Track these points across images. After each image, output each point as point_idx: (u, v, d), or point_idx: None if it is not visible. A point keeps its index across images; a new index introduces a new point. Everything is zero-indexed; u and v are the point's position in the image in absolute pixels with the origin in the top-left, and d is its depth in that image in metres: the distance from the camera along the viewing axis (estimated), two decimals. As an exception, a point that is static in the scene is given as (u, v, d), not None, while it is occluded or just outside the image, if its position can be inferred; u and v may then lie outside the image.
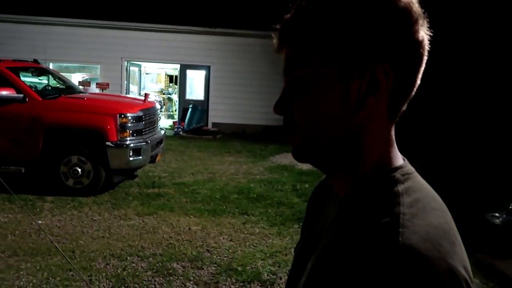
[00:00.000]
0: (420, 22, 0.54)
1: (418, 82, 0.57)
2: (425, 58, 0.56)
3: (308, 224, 0.76)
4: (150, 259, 3.62)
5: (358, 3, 0.53)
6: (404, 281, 0.43)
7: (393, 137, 0.59)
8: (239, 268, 3.50)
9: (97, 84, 11.41)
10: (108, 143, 5.17)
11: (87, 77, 13.29)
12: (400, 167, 0.57)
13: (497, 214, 5.13)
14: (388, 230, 0.47)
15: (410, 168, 0.58)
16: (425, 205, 0.52)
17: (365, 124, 0.56)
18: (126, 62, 12.85)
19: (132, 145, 5.29)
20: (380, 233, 0.47)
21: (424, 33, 0.55)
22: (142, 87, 15.29)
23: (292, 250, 3.92)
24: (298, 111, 0.58)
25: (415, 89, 0.57)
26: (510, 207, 5.11)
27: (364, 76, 0.53)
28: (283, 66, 0.60)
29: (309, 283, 0.56)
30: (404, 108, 0.58)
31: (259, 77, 12.70)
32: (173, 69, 16.74)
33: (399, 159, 0.59)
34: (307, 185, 6.44)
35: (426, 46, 0.55)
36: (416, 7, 0.54)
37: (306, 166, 8.00)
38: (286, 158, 8.88)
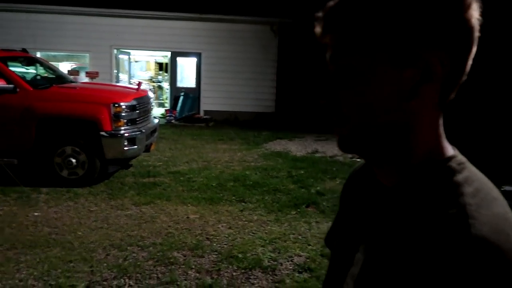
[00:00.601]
0: (474, 6, 0.52)
1: (469, 68, 0.55)
2: (476, 43, 0.54)
3: (345, 214, 0.75)
4: (151, 248, 3.63)
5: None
6: (480, 272, 0.44)
7: (442, 126, 0.58)
8: (240, 255, 3.53)
9: (87, 73, 11.25)
10: (103, 133, 5.12)
11: (75, 66, 13.08)
12: (454, 156, 0.57)
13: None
14: (458, 221, 0.47)
15: (462, 157, 0.57)
16: (486, 194, 0.52)
17: (416, 113, 0.55)
18: (115, 50, 12.65)
19: (126, 134, 5.24)
20: (451, 225, 0.48)
21: (476, 18, 0.53)
22: (131, 75, 15.10)
23: (291, 236, 3.98)
24: (347, 101, 0.57)
25: (465, 76, 0.56)
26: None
27: (418, 64, 0.52)
28: (328, 54, 0.59)
29: (368, 274, 0.56)
30: (453, 95, 0.57)
31: (250, 63, 12.62)
32: (163, 56, 16.54)
33: (450, 149, 0.58)
34: (302, 172, 6.48)
35: (478, 31, 0.54)
36: None
37: (300, 153, 8.06)
38: (280, 145, 8.91)
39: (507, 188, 5.22)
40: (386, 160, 0.59)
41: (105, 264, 3.31)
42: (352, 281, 0.60)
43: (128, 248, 3.63)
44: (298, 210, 4.75)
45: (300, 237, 4.00)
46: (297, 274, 3.27)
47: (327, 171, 6.56)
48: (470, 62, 0.55)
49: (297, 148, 8.62)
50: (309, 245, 3.82)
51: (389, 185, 0.60)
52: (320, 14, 0.59)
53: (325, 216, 4.59)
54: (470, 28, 0.53)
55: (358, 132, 0.57)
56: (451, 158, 0.56)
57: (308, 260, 3.51)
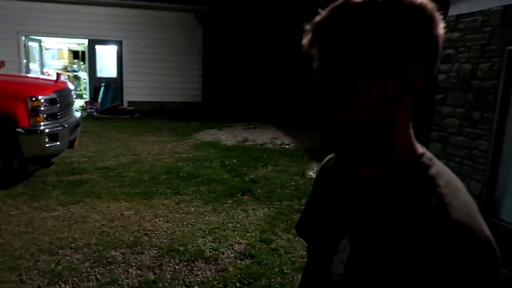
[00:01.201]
0: (440, 24, 0.61)
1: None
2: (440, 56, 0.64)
3: (322, 205, 0.81)
4: (85, 249, 3.46)
5: (396, 11, 0.59)
6: (460, 251, 0.53)
7: (412, 127, 0.67)
8: (181, 248, 3.52)
9: (-10, 62, 10.09)
10: (19, 130, 4.68)
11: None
12: (424, 153, 0.66)
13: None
14: (439, 209, 0.56)
15: (430, 153, 0.67)
16: (454, 185, 0.62)
17: (395, 118, 0.63)
18: (23, 37, 11.48)
19: (47, 130, 4.85)
20: (434, 212, 0.56)
21: (442, 34, 0.62)
22: (43, 64, 13.84)
23: (230, 225, 4.06)
24: (338, 108, 0.62)
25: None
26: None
27: (400, 77, 0.60)
28: (317, 64, 0.63)
29: (359, 258, 0.63)
30: (420, 101, 0.65)
31: (175, 52, 12.31)
32: (78, 44, 15.40)
33: (419, 147, 0.68)
34: (235, 160, 6.57)
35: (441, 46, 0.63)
36: (435, 9, 0.61)
37: (230, 142, 8.13)
38: (210, 135, 8.90)
39: None
40: (368, 158, 0.66)
41: (35, 271, 3.08)
42: (342, 265, 0.66)
43: (60, 251, 3.42)
44: (234, 198, 4.83)
45: (238, 225, 4.09)
46: (239, 261, 3.36)
47: (259, 159, 6.73)
48: (436, 72, 0.64)
49: (227, 137, 8.68)
50: (248, 232, 3.93)
51: (369, 180, 0.68)
52: (309, 25, 0.63)
53: (261, 203, 4.74)
54: (438, 44, 0.62)
55: (346, 136, 0.63)
56: (422, 154, 0.66)
57: (248, 246, 3.61)
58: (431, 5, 0.60)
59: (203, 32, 12.62)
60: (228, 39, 12.63)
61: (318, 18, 0.62)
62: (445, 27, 0.62)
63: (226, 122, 10.57)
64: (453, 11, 5.13)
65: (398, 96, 0.61)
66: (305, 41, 0.64)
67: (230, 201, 4.75)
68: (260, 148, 7.67)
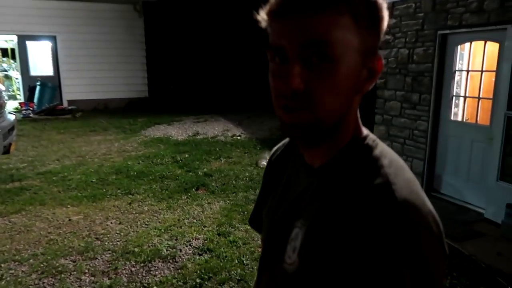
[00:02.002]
0: (386, 17, 0.64)
1: None
2: None
3: (271, 195, 0.81)
4: (31, 260, 3.24)
5: (372, 2, 0.60)
6: (408, 227, 0.54)
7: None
8: (136, 249, 3.41)
9: None
10: None
11: None
12: (368, 135, 0.68)
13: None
14: (384, 189, 0.57)
15: (373, 135, 0.69)
16: (397, 164, 0.63)
17: (354, 103, 0.65)
18: None
19: (-23, 136, 4.46)
20: (379, 192, 0.57)
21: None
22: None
23: (186, 221, 4.00)
24: (322, 88, 0.58)
25: None
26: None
27: (369, 66, 0.62)
28: (293, 37, 0.57)
29: (312, 245, 0.62)
30: None
31: (116, 46, 11.79)
32: (6, 41, 14.25)
33: (364, 129, 0.69)
34: (186, 155, 6.46)
35: None
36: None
37: (181, 137, 7.98)
38: (159, 130, 8.68)
39: None
40: (322, 143, 0.66)
41: (-25, 290, 2.85)
42: (296, 254, 0.66)
43: (2, 265, 3.17)
44: (189, 194, 4.76)
45: (195, 220, 4.04)
46: (197, 257, 3.32)
47: (211, 152, 6.67)
48: None
49: (177, 132, 8.51)
50: (205, 226, 3.89)
51: (317, 166, 0.68)
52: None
53: (216, 196, 4.71)
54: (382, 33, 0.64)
55: (320, 118, 0.60)
56: (366, 137, 0.67)
57: (206, 241, 3.58)
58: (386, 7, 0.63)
59: (144, 25, 12.18)
60: (171, 30, 12.30)
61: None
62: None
63: (175, 117, 10.34)
64: (389, -1, 5.35)
65: (364, 83, 0.63)
66: (272, 9, 0.60)
67: (185, 197, 4.67)
68: (212, 141, 7.61)
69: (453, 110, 4.75)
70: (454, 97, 4.71)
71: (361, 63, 0.61)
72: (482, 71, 4.42)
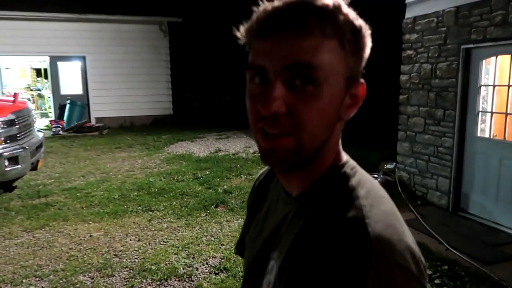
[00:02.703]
0: (369, 43, 0.62)
1: None
2: None
3: (254, 222, 0.79)
4: (51, 276, 3.30)
5: (357, 25, 0.58)
6: (381, 266, 0.50)
7: None
8: (153, 267, 3.42)
9: None
10: (-24, 155, 4.45)
11: None
12: (347, 162, 0.64)
13: (375, 175, 5.89)
14: (357, 223, 0.53)
15: (353, 162, 0.65)
16: (376, 194, 0.60)
17: (336, 130, 0.62)
18: (-21, 57, 11.03)
19: (6, 153, 4.64)
20: (352, 227, 0.53)
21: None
22: (3, 84, 13.32)
23: (204, 239, 3.98)
24: (303, 111, 0.56)
25: None
26: (385, 167, 5.91)
27: (351, 93, 0.60)
28: (275, 59, 0.55)
29: (283, 280, 0.60)
30: None
31: (142, 65, 12.14)
32: (40, 61, 14.92)
33: (344, 155, 0.66)
34: (207, 172, 6.49)
35: None
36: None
37: (203, 153, 8.05)
38: (182, 147, 8.78)
39: (376, 174, 5.93)
40: (301, 170, 0.63)
41: (-3, 305, 2.91)
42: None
43: (24, 281, 3.24)
44: (208, 211, 4.76)
45: (212, 238, 4.02)
46: (213, 276, 3.29)
47: (232, 169, 6.68)
48: None
49: (199, 148, 8.59)
50: (222, 245, 3.86)
51: (294, 195, 0.65)
52: (264, 11, 0.57)
53: (235, 214, 4.69)
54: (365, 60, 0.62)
55: (305, 143, 0.57)
56: (345, 164, 0.64)
57: (223, 260, 3.55)
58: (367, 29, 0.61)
59: (169, 44, 12.51)
60: (195, 49, 12.59)
61: (288, 6, 0.55)
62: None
63: (198, 133, 10.47)
64: (409, 14, 5.29)
65: (346, 110, 0.61)
66: (255, 27, 0.57)
67: (204, 214, 4.67)
68: (233, 158, 7.62)
69: (480, 126, 4.58)
70: (480, 113, 4.55)
71: (345, 88, 0.59)
72: (509, 86, 4.26)
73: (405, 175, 5.53)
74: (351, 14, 0.58)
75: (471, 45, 4.43)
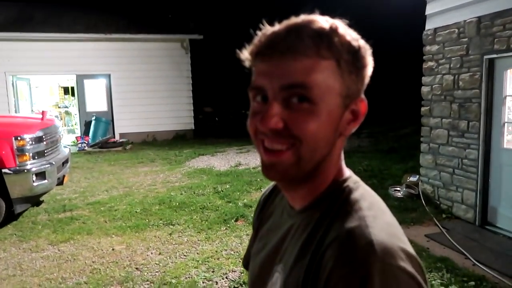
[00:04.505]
0: (371, 62, 0.64)
1: None
2: None
3: (259, 236, 0.80)
4: (75, 289, 3.36)
5: (355, 45, 0.60)
6: (385, 272, 0.51)
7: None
8: (173, 281, 3.43)
9: (-22, 104, 10.11)
10: (5, 171, 4.63)
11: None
12: (350, 177, 0.66)
13: (398, 188, 5.77)
14: (360, 231, 0.55)
15: (356, 177, 0.67)
16: (378, 207, 0.61)
17: (337, 146, 0.64)
18: (11, 76, 11.54)
19: (34, 169, 4.80)
20: (354, 235, 0.55)
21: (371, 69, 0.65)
22: (33, 102, 13.86)
23: (224, 252, 3.98)
24: (300, 126, 0.58)
25: None
26: (408, 180, 5.79)
27: (351, 109, 0.62)
28: (273, 80, 0.59)
29: None
30: None
31: (164, 81, 12.42)
32: (68, 80, 15.48)
33: (346, 170, 0.68)
34: (227, 186, 6.52)
35: None
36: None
37: (223, 168, 8.09)
38: (203, 161, 8.87)
39: (398, 187, 5.80)
40: (303, 184, 0.65)
41: (22, 316, 2.98)
42: None
43: (49, 293, 3.32)
44: (228, 225, 4.76)
45: (232, 252, 4.02)
46: (233, 290, 3.28)
47: (252, 183, 6.68)
48: None
49: (220, 163, 8.65)
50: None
51: (298, 208, 0.67)
52: (264, 36, 0.60)
53: (255, 227, 4.67)
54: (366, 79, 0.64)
55: (303, 161, 0.60)
56: (348, 178, 0.66)
57: (242, 274, 3.53)
58: (367, 46, 0.63)
59: (190, 61, 12.77)
60: (216, 65, 12.80)
61: (286, 29, 0.59)
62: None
63: (219, 148, 10.56)
64: (429, 25, 5.24)
65: (347, 126, 0.63)
66: (254, 50, 0.61)
67: (224, 228, 4.68)
68: (253, 172, 7.63)
69: (506, 137, 4.45)
70: (506, 124, 4.43)
71: (343, 105, 0.61)
72: (536, 96, 4.14)
73: (429, 188, 5.40)
74: (350, 35, 0.60)
75: (494, 55, 4.34)
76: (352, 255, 0.53)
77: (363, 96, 0.63)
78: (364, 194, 0.63)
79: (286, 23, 0.60)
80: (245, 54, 0.63)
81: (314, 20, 0.59)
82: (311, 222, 0.63)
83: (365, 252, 0.52)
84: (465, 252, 3.80)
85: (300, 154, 0.59)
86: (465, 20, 4.66)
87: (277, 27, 0.60)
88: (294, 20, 0.60)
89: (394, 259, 0.52)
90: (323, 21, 0.59)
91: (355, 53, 0.60)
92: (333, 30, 0.59)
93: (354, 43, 0.60)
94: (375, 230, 0.55)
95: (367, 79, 0.63)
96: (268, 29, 0.60)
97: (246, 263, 0.88)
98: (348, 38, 0.59)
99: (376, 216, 0.58)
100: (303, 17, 0.60)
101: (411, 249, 0.56)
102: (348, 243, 0.54)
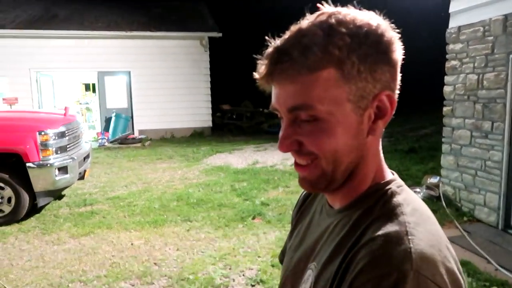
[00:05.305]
0: (399, 47, 0.60)
1: None
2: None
3: (297, 233, 0.80)
4: (95, 282, 3.43)
5: (359, 40, 0.56)
6: (418, 282, 0.49)
7: (381, 151, 0.65)
8: (191, 277, 3.46)
9: (4, 99, 10.40)
10: (29, 164, 4.75)
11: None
12: (394, 180, 0.64)
13: (418, 190, 5.68)
14: (398, 238, 0.53)
15: (400, 180, 0.65)
16: (422, 214, 0.59)
17: (369, 145, 0.61)
18: (35, 73, 11.83)
19: (57, 163, 4.91)
20: (393, 242, 0.52)
21: (400, 54, 0.60)
22: (56, 98, 14.17)
23: (241, 250, 3.99)
24: (313, 145, 0.59)
25: None
26: (428, 181, 5.68)
27: (373, 106, 0.59)
28: (282, 102, 0.59)
29: None
30: None
31: (183, 79, 12.52)
32: (89, 77, 15.76)
33: (389, 172, 0.66)
34: (245, 184, 6.53)
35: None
36: (394, 33, 0.59)
37: (241, 165, 8.11)
38: (220, 159, 8.91)
39: (418, 189, 5.70)
40: (341, 188, 0.64)
41: (45, 307, 3.06)
42: None
43: (70, 285, 3.39)
44: (245, 223, 4.77)
45: (249, 250, 4.02)
46: (250, 288, 3.29)
47: (269, 181, 6.68)
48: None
49: (237, 160, 8.67)
50: (259, 257, 3.85)
51: (336, 208, 0.67)
52: (266, 59, 0.58)
53: (272, 226, 4.67)
54: (398, 67, 0.60)
55: (330, 170, 0.60)
56: (391, 181, 0.63)
57: (259, 272, 3.54)
58: (388, 29, 0.59)
59: (209, 58, 12.84)
60: (234, 63, 12.82)
61: (275, 52, 0.58)
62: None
63: (236, 145, 10.59)
64: (453, 23, 5.12)
65: (372, 124, 0.60)
66: (262, 74, 0.59)
67: (241, 226, 4.69)
68: (271, 170, 7.63)
69: (532, 139, 4.31)
70: (532, 125, 4.29)
71: (357, 109, 0.58)
72: None
73: (450, 190, 5.29)
74: (350, 32, 0.55)
75: (521, 54, 4.21)
76: (386, 259, 0.51)
77: (387, 89, 0.59)
78: (407, 198, 0.60)
79: (276, 43, 0.58)
80: (257, 78, 0.62)
81: (302, 30, 0.56)
82: (348, 222, 0.62)
83: (401, 258, 0.50)
84: (487, 256, 3.71)
85: (323, 167, 0.60)
86: (491, 18, 4.53)
87: (271, 47, 0.59)
88: (284, 36, 0.58)
89: (430, 272, 0.50)
90: (313, 28, 0.56)
91: (360, 50, 0.56)
92: (326, 35, 0.55)
93: (357, 40, 0.55)
94: (415, 238, 0.52)
95: (395, 68, 0.59)
96: (267, 52, 0.59)
97: (282, 257, 0.88)
98: (347, 38, 0.55)
99: (419, 223, 0.55)
100: (292, 29, 0.58)
101: (453, 264, 0.53)
102: (384, 246, 0.52)
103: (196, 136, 12.46)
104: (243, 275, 3.51)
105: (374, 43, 0.57)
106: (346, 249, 0.58)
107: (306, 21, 0.58)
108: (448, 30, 5.21)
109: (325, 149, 0.58)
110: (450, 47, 5.19)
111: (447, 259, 0.53)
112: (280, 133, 0.61)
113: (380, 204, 0.60)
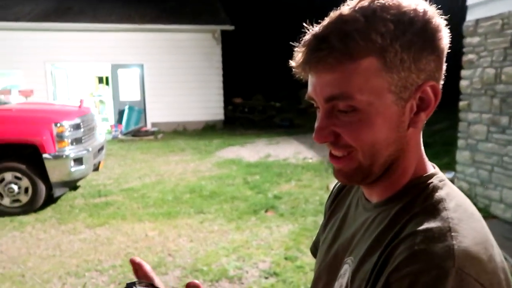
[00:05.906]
0: (445, 34, 0.57)
1: None
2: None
3: (330, 226, 0.79)
4: (110, 271, 3.49)
5: (403, 28, 0.54)
6: (462, 278, 0.47)
7: (422, 144, 0.63)
8: (205, 268, 3.50)
9: (19, 91, 10.54)
10: (46, 155, 4.83)
11: (6, 85, 12.19)
12: (435, 174, 0.62)
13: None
14: (441, 234, 0.51)
15: (442, 174, 0.62)
16: (466, 209, 0.56)
17: (409, 138, 0.59)
18: (50, 65, 11.98)
19: (72, 155, 4.99)
20: (435, 238, 0.51)
21: (447, 43, 0.58)
22: (70, 91, 14.34)
23: (254, 242, 4.02)
24: (351, 137, 0.57)
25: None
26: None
27: (415, 97, 0.57)
28: (319, 92, 0.58)
29: (356, 285, 0.59)
30: None
31: (195, 72, 12.54)
32: (102, 69, 15.89)
33: (430, 166, 0.63)
34: (257, 177, 6.55)
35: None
36: (441, 20, 0.57)
37: (253, 159, 8.13)
38: (232, 152, 8.93)
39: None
40: (380, 182, 0.62)
41: (62, 295, 3.12)
42: None
43: (86, 274, 3.46)
44: (258, 216, 4.79)
45: (262, 242, 4.04)
46: (263, 280, 3.30)
47: (282, 174, 6.68)
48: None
49: (249, 153, 8.69)
50: (272, 249, 3.87)
51: (373, 202, 0.65)
52: (304, 46, 0.56)
53: (285, 219, 4.68)
54: (443, 56, 0.58)
55: (367, 163, 0.58)
56: (433, 175, 0.61)
57: (273, 264, 3.55)
58: (435, 15, 0.56)
59: (221, 51, 12.83)
60: (247, 56, 12.79)
61: (314, 40, 0.55)
62: (449, 34, 0.58)
63: (248, 138, 10.60)
64: (471, 16, 5.02)
65: (415, 116, 0.58)
66: (299, 62, 0.57)
67: (254, 218, 4.71)
68: (283, 163, 7.63)
69: (551, 134, 4.23)
70: (552, 120, 4.21)
71: (399, 100, 0.56)
72: None
73: (465, 185, 5.22)
74: (394, 18, 0.53)
75: (542, 48, 4.12)
76: (426, 255, 0.49)
77: (431, 79, 0.57)
78: (450, 193, 0.58)
79: (315, 30, 0.56)
80: (293, 65, 0.60)
81: (342, 16, 0.54)
82: (387, 217, 0.59)
83: (442, 255, 0.48)
84: (504, 253, 3.66)
85: (359, 160, 0.58)
86: (510, 11, 4.43)
87: (309, 34, 0.57)
88: (323, 23, 0.56)
89: (474, 271, 0.48)
90: (354, 14, 0.53)
91: (404, 38, 0.53)
92: (368, 22, 0.53)
93: (401, 27, 0.53)
94: (459, 235, 0.50)
95: (440, 57, 0.57)
96: (304, 39, 0.57)
97: (314, 249, 0.86)
98: (390, 24, 0.52)
99: (462, 219, 0.53)
100: (332, 15, 0.56)
101: (501, 265, 0.51)
102: (424, 241, 0.50)
103: (208, 129, 12.51)
104: (257, 267, 3.53)
105: (419, 31, 0.54)
106: (384, 244, 0.56)
107: (347, 6, 0.56)
108: (465, 23, 5.12)
109: (363, 142, 0.56)
110: (467, 40, 5.10)
111: (493, 258, 0.51)
112: (316, 124, 0.59)
113: (421, 199, 0.57)
